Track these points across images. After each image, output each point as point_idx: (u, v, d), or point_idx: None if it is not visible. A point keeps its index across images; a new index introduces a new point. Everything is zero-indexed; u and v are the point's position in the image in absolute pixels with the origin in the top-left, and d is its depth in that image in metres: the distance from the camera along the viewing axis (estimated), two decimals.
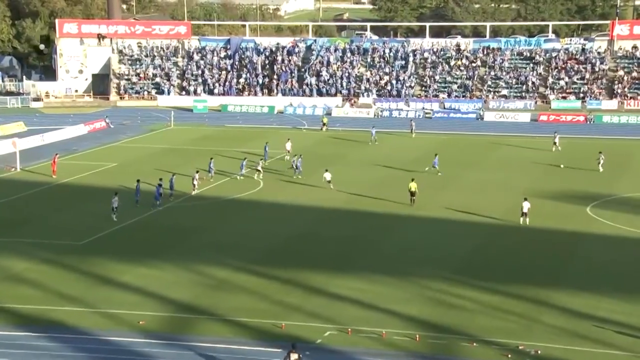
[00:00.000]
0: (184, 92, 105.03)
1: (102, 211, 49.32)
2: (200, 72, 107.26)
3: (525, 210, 46.49)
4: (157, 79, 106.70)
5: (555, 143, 70.29)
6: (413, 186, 50.83)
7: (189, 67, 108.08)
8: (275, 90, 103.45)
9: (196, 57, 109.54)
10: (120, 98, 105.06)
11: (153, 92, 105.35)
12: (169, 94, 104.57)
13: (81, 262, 40.36)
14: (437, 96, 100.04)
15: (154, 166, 63.42)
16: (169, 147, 73.53)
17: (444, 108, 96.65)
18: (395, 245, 43.32)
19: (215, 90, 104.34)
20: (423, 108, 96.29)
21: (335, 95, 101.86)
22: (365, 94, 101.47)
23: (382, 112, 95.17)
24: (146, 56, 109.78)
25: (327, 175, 55.49)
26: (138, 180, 52.34)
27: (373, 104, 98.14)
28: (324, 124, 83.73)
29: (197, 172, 56.41)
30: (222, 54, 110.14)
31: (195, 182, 54.51)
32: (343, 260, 40.78)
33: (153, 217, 48.73)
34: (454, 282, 37.29)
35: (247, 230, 46.46)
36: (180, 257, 41.15)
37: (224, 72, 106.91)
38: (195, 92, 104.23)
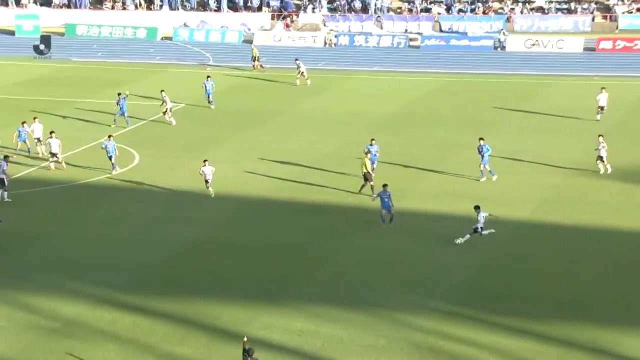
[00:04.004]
0: None
1: None
2: None
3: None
4: None
5: (601, 107, 65.75)
6: (369, 164, 51.92)
7: None
8: (157, 2, 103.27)
9: None
10: None
11: None
12: None
13: None
14: (428, 11, 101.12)
15: None
16: None
17: (440, 31, 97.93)
18: (358, 260, 43.93)
19: (55, 0, 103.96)
20: (406, 31, 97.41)
21: (260, 9, 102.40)
22: (310, 7, 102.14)
23: (337, 39, 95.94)
24: None
25: (207, 170, 51.61)
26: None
27: (323, 24, 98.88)
28: (255, 59, 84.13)
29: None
30: None
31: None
32: (275, 284, 41.23)
33: None
34: (454, 318, 38.03)
35: (114, 235, 46.79)
36: None
37: None
38: (17, 3, 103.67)
